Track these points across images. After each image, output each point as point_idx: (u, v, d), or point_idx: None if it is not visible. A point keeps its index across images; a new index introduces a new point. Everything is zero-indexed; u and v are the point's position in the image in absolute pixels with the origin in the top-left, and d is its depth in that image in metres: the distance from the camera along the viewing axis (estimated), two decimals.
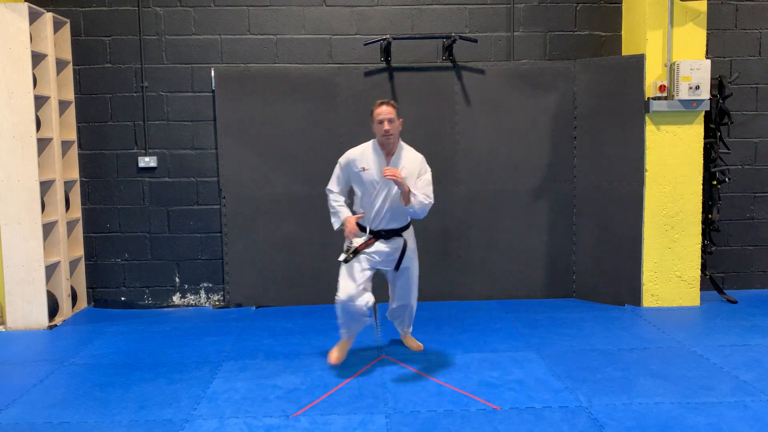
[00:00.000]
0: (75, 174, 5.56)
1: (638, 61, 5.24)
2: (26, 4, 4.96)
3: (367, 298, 3.96)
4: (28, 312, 5.11)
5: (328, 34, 5.60)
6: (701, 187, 5.32)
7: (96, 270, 5.69)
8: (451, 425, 3.33)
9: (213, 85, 5.51)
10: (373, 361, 4.26)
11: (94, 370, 4.23)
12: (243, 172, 5.55)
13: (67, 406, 3.67)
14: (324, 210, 5.61)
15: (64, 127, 5.43)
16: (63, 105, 5.42)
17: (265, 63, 5.57)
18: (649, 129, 5.24)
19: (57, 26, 5.34)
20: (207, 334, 4.93)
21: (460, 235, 5.66)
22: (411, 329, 4.49)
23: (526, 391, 3.72)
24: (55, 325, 5.18)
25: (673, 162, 5.26)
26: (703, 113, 5.26)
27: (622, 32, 5.67)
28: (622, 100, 5.33)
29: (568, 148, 5.62)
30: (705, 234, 5.49)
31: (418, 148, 5.56)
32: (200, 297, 5.73)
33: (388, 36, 5.42)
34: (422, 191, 3.94)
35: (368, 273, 3.99)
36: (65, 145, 5.44)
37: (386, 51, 5.51)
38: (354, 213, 4.14)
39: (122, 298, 5.71)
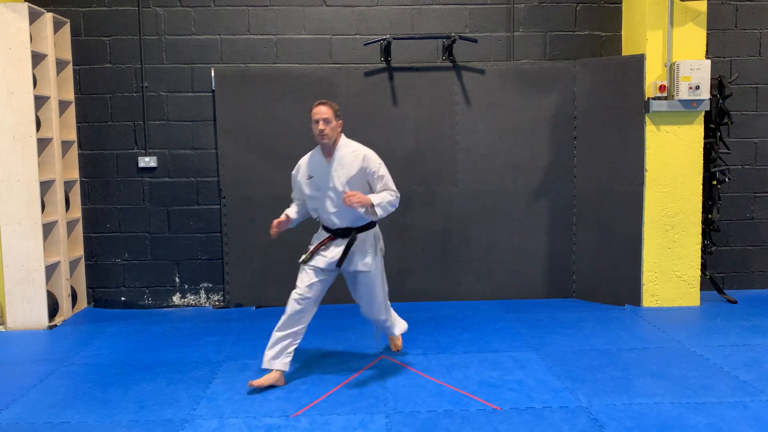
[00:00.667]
0: (75, 174, 5.56)
1: (638, 61, 5.24)
2: (26, 4, 4.96)
3: (302, 307, 3.87)
4: (28, 312, 5.11)
5: (328, 34, 5.60)
6: (701, 187, 5.32)
7: (96, 270, 5.69)
8: (451, 425, 3.33)
9: (213, 85, 5.51)
10: (373, 361, 4.26)
11: (94, 370, 4.23)
12: (243, 172, 5.55)
13: (67, 406, 3.67)
14: None
15: (64, 127, 5.43)
16: (63, 105, 5.42)
17: (265, 63, 5.57)
18: (649, 129, 5.24)
19: (57, 26, 5.34)
20: (207, 334, 4.93)
21: (460, 235, 5.66)
22: (394, 330, 4.35)
23: (526, 391, 3.72)
24: (55, 325, 5.18)
25: (673, 162, 5.26)
26: (703, 113, 5.26)
27: (622, 32, 5.67)
28: (622, 100, 5.33)
29: (568, 148, 5.62)
30: (705, 234, 5.49)
31: (419, 148, 5.61)
32: (200, 297, 5.73)
33: (388, 36, 5.42)
34: (382, 193, 3.81)
35: (315, 280, 3.89)
36: (65, 145, 5.44)
37: (386, 51, 5.51)
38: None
39: (122, 298, 5.71)
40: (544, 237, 5.70)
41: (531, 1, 5.65)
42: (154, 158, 5.58)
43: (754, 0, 5.65)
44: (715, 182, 5.45)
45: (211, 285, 5.71)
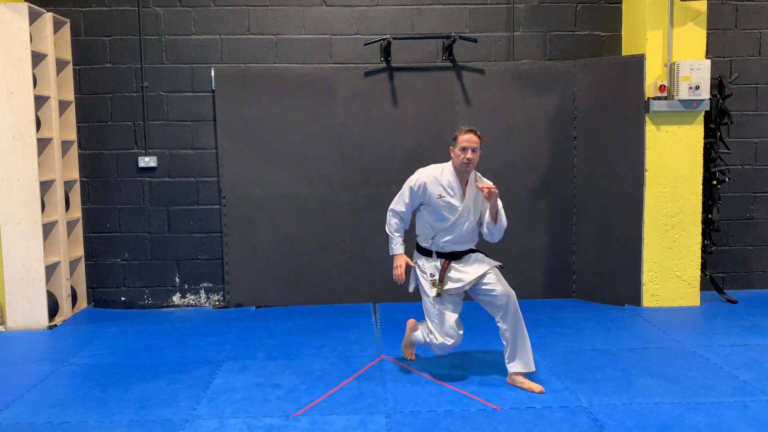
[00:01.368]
0: (75, 174, 5.56)
1: (638, 61, 5.24)
2: (26, 4, 4.96)
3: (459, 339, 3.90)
4: (28, 312, 5.11)
5: (328, 34, 5.60)
6: (701, 187, 5.32)
7: (96, 270, 5.69)
8: (451, 425, 3.33)
9: (213, 85, 5.51)
10: (373, 361, 4.26)
11: (94, 370, 4.23)
12: (243, 172, 5.55)
13: (67, 406, 3.67)
14: (324, 209, 5.64)
15: (64, 127, 5.43)
16: (63, 105, 5.42)
17: (265, 63, 5.57)
18: (649, 129, 5.24)
19: (57, 26, 5.34)
20: (207, 334, 4.93)
21: None
22: (523, 363, 3.85)
23: (526, 391, 3.72)
24: (55, 325, 5.18)
25: (673, 162, 5.26)
26: (703, 113, 5.26)
27: (622, 32, 5.67)
28: (622, 100, 5.33)
29: (568, 148, 5.62)
30: (705, 234, 5.49)
31: (419, 148, 5.60)
32: (200, 297, 5.73)
33: (388, 36, 5.42)
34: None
35: (458, 311, 3.90)
36: (65, 145, 5.44)
37: (386, 51, 5.51)
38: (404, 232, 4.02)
39: (122, 298, 5.71)
40: (544, 237, 5.70)
41: (531, 1, 5.65)
42: (154, 158, 5.58)
43: (754, 0, 5.65)
44: (715, 182, 5.45)
45: (211, 285, 5.71)
